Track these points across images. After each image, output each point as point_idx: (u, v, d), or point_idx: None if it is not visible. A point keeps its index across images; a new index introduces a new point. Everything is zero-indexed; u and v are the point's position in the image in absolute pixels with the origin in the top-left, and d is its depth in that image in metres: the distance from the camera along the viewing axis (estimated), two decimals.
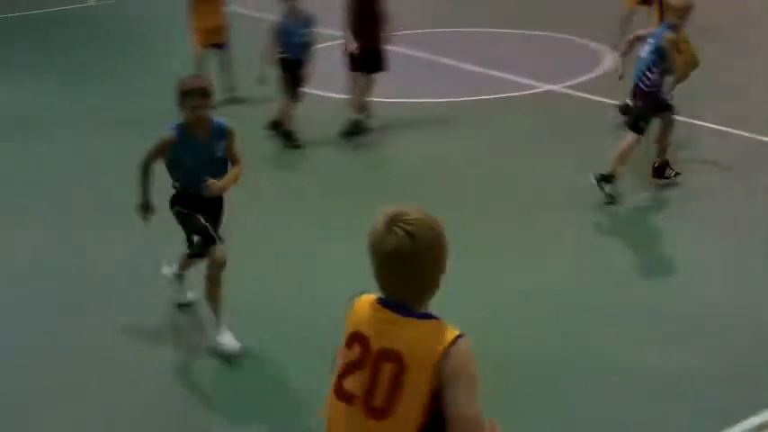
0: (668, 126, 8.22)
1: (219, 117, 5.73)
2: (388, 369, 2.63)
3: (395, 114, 10.48)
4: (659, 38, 7.88)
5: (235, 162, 5.76)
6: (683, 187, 8.24)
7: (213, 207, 5.78)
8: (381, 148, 9.82)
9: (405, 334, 2.63)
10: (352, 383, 2.70)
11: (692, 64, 8.89)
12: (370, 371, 2.66)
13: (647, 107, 7.98)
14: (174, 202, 5.79)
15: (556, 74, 11.90)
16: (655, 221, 7.95)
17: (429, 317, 2.67)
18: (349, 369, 2.71)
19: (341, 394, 2.72)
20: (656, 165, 8.34)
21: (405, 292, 2.68)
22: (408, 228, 2.61)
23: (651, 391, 5.16)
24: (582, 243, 7.29)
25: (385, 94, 10.35)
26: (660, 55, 7.82)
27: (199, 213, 5.66)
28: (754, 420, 4.87)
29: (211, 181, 5.57)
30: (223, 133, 5.67)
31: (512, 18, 15.17)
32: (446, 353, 2.57)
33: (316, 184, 8.73)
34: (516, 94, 11.32)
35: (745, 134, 9.43)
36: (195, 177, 5.59)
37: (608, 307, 6.17)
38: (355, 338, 2.72)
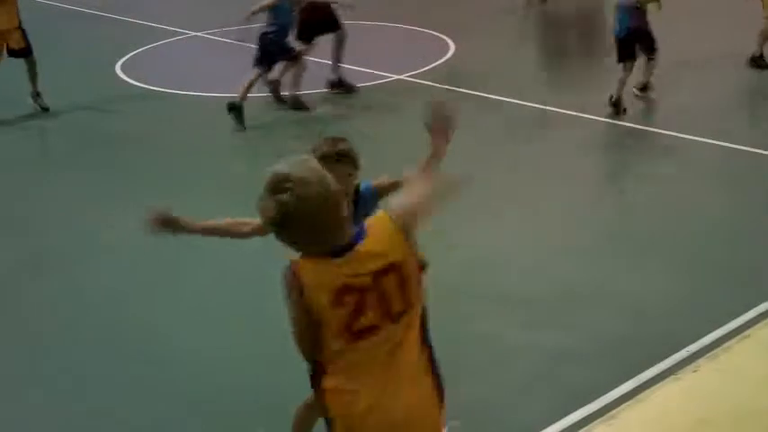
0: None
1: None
2: (390, 279, 2.84)
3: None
4: None
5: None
6: (537, 166, 8.35)
7: None
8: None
9: (378, 241, 2.84)
10: (368, 319, 2.84)
11: None
12: (377, 294, 2.83)
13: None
14: None
15: (403, 64, 11.89)
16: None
17: (362, 229, 2.86)
18: (355, 315, 2.83)
19: (363, 336, 2.84)
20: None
21: (334, 236, 2.80)
22: (296, 191, 2.69)
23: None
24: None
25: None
26: None
27: None
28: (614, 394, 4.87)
29: None
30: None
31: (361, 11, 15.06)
32: (394, 219, 2.86)
33: None
34: (368, 84, 11.26)
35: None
36: None
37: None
38: (342, 293, 2.81)
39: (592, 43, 13.80)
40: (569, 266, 6.37)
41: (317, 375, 2.96)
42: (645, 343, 5.34)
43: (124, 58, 12.82)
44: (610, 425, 4.61)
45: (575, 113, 9.70)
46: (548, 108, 9.87)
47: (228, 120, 9.70)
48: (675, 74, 10.52)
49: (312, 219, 2.72)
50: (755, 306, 5.65)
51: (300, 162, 2.78)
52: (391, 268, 2.83)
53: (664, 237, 6.83)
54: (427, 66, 11.84)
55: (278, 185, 2.71)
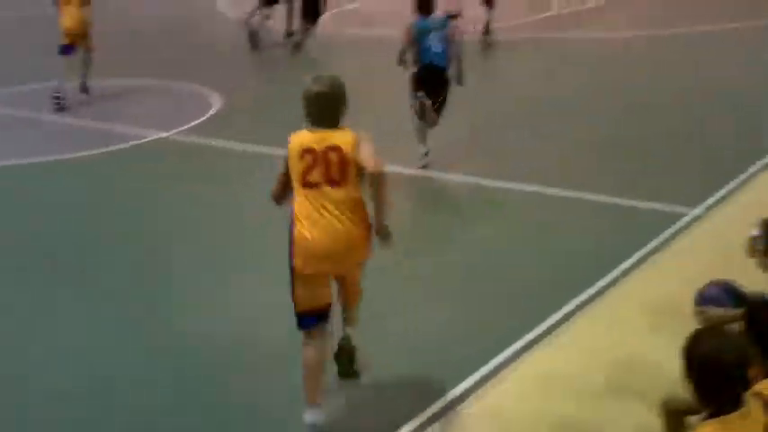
0: None
1: None
2: (334, 156, 4.82)
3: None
4: None
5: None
6: None
7: None
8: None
9: (337, 137, 4.88)
10: (314, 176, 4.83)
11: None
12: (323, 162, 4.82)
13: None
14: None
15: (167, 121, 11.74)
16: None
17: (343, 128, 4.94)
18: (308, 170, 4.84)
19: (308, 185, 4.84)
20: None
21: (328, 119, 4.93)
22: (325, 80, 4.98)
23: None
24: None
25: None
26: None
27: None
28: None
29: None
30: None
31: (116, 67, 14.76)
32: (357, 138, 4.87)
33: None
34: (133, 143, 11.01)
35: None
36: None
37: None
38: (305, 152, 4.85)
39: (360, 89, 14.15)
40: None
41: (292, 225, 4.87)
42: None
43: None
44: None
45: None
46: None
47: None
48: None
49: (319, 103, 4.91)
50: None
51: (329, 76, 5.03)
52: (337, 150, 4.82)
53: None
54: (193, 121, 11.74)
55: (312, 82, 4.95)
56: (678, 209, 8.08)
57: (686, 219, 7.90)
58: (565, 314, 6.28)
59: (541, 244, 7.63)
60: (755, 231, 4.70)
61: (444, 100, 9.41)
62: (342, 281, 5.18)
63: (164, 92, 13.71)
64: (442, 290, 6.85)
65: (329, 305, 5.04)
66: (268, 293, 6.49)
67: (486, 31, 16.64)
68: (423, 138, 9.59)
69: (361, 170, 4.80)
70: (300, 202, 4.82)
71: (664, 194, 8.47)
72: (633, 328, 6.07)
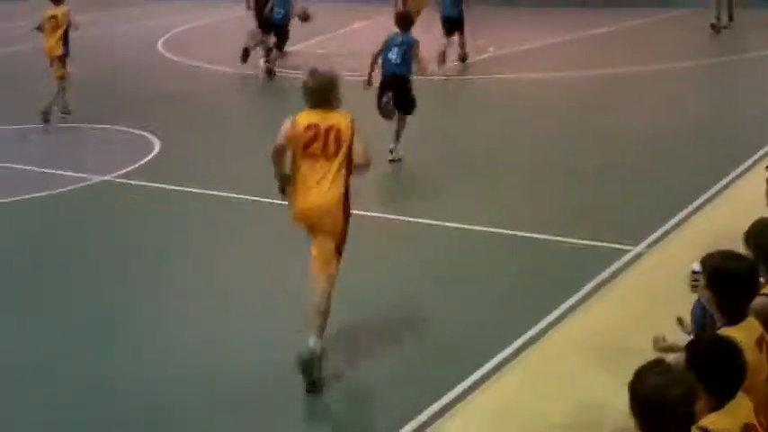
0: None
1: None
2: (332, 134, 5.99)
3: None
4: None
5: None
6: None
7: None
8: None
9: (335, 117, 6.06)
10: (314, 148, 5.99)
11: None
12: (323, 138, 5.99)
13: None
14: None
15: (108, 164, 11.61)
16: None
17: (340, 110, 6.15)
18: (309, 142, 5.99)
19: (307, 155, 6.01)
20: None
21: (327, 102, 6.10)
22: (323, 72, 6.22)
23: None
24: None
25: None
26: None
27: None
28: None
29: None
30: None
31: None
32: (352, 120, 6.06)
33: None
34: (72, 187, 10.84)
35: None
36: None
37: None
38: (310, 126, 6.00)
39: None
40: None
41: (291, 182, 6.13)
42: None
43: None
44: None
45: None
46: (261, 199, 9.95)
47: None
48: None
49: (316, 90, 6.12)
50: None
51: (325, 71, 6.26)
52: (336, 130, 6.01)
53: None
54: (133, 165, 11.61)
55: (309, 74, 6.18)
56: (624, 244, 8.15)
57: (632, 253, 7.97)
58: (503, 358, 6.25)
59: (480, 283, 7.66)
60: (696, 266, 4.76)
61: (407, 100, 11.18)
62: (317, 242, 6.15)
63: (104, 135, 13.53)
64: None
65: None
66: (214, 325, 6.45)
67: (463, 57, 17.55)
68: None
69: (350, 152, 6.03)
70: (302, 172, 6.06)
71: (610, 229, 8.56)
72: (579, 366, 6.07)
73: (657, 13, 22.52)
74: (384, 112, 11.17)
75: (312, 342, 5.82)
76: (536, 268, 7.93)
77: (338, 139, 5.95)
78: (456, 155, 11.58)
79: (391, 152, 11.10)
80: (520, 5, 24.74)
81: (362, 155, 6.06)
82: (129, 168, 11.44)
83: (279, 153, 6.07)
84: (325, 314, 5.97)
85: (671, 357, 4.31)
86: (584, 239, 8.40)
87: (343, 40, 20.83)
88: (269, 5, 17.12)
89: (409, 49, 11.02)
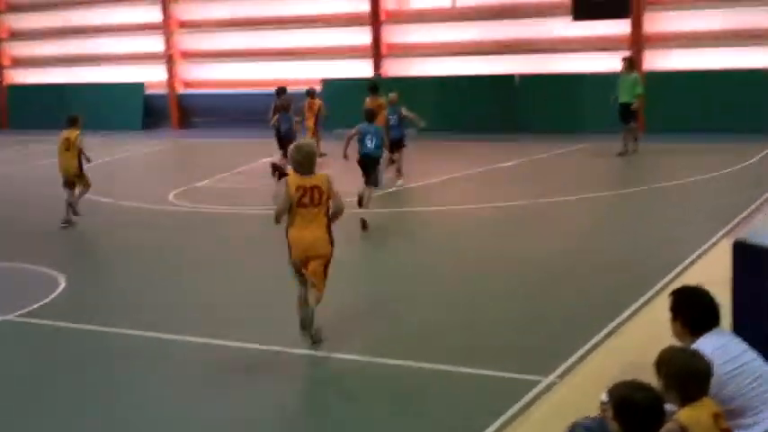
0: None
1: None
2: (316, 191, 8.82)
3: None
4: None
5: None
6: None
7: None
8: None
9: (317, 178, 8.89)
10: (305, 201, 8.75)
11: None
12: (310, 194, 8.77)
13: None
14: None
15: (8, 303, 11.26)
16: None
17: (318, 173, 9.02)
18: (301, 197, 8.74)
19: (301, 205, 8.74)
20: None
21: (309, 167, 8.90)
22: (305, 146, 9.24)
23: None
24: None
25: None
26: None
27: None
28: None
29: None
30: None
31: None
32: (329, 180, 8.96)
33: None
34: None
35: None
36: None
37: None
38: (299, 187, 8.75)
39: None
40: None
41: (288, 228, 8.85)
42: None
43: None
44: None
45: (202, 340, 9.68)
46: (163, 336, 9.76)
47: None
48: None
49: (303, 160, 8.87)
50: None
51: (306, 143, 9.55)
52: (318, 189, 8.79)
53: None
54: (36, 303, 11.29)
55: (295, 149, 9.04)
56: (532, 375, 8.15)
57: (542, 385, 7.95)
58: None
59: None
60: (604, 397, 4.78)
61: (376, 172, 15.52)
62: (311, 265, 8.85)
63: (4, 274, 13.20)
64: None
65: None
66: None
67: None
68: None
69: (329, 201, 8.88)
70: (297, 219, 8.77)
71: (521, 360, 8.57)
72: None
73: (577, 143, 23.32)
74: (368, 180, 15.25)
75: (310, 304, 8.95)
76: (447, 399, 7.85)
77: (321, 194, 8.78)
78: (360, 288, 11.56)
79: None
80: (454, 131, 26.42)
81: (338, 201, 8.98)
82: (32, 307, 11.09)
83: (279, 216, 8.83)
84: (316, 300, 9.01)
85: None
86: (499, 369, 8.39)
87: (245, 176, 21.03)
88: (274, 118, 20.39)
89: (380, 136, 15.61)
